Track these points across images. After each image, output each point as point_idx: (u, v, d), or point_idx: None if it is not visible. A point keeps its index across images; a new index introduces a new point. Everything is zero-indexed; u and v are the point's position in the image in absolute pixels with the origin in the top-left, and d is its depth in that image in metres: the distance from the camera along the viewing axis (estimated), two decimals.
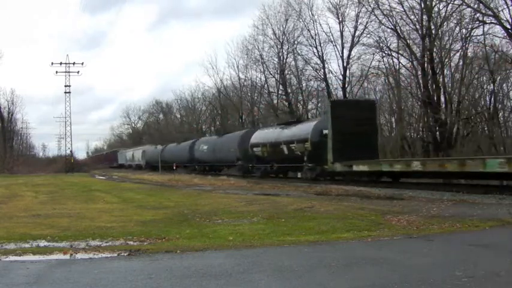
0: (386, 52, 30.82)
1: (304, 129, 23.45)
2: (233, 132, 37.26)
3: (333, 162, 19.78)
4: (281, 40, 40.41)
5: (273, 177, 26.52)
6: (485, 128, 27.62)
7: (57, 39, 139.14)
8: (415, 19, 26.84)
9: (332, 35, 35.90)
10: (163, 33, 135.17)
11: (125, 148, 77.90)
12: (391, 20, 28.16)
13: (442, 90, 27.00)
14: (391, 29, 28.55)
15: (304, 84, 40.98)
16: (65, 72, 58.74)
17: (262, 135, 28.11)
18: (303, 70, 39.62)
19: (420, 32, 26.51)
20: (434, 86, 26.57)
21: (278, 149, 25.19)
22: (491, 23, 23.85)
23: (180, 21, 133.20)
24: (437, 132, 26.50)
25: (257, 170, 28.39)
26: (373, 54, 32.18)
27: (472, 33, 25.91)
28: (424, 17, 26.30)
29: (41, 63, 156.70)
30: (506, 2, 23.27)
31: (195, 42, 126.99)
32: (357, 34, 33.61)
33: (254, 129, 32.45)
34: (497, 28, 24.28)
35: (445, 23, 26.18)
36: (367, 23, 31.74)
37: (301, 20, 37.93)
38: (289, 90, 41.51)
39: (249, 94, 47.91)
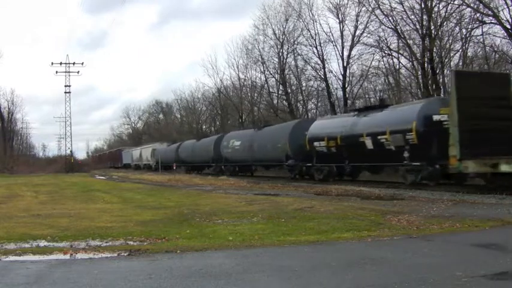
0: (386, 52, 30.90)
1: (403, 114, 17.47)
2: (273, 124, 30.29)
3: (461, 159, 13.72)
4: (281, 40, 40.46)
5: (337, 181, 20.56)
6: None
7: (59, 40, 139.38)
8: (415, 19, 26.88)
9: (332, 34, 35.95)
10: (165, 33, 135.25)
11: (130, 146, 73.09)
12: (391, 19, 28.22)
13: (442, 90, 27.01)
14: (392, 29, 28.60)
15: (304, 84, 41.08)
16: (65, 72, 58.95)
17: (327, 125, 21.72)
18: (303, 70, 39.72)
19: (420, 32, 26.53)
20: (434, 86, 26.57)
21: (356, 143, 18.99)
22: (491, 23, 23.91)
23: (182, 21, 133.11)
24: None
25: (318, 172, 21.81)
26: (373, 54, 32.26)
27: (472, 33, 26.01)
28: (424, 17, 26.32)
29: (43, 63, 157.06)
30: (506, 2, 23.33)
31: (197, 43, 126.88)
32: (357, 34, 33.64)
33: (310, 119, 26.49)
34: (497, 28, 24.35)
35: (445, 23, 26.23)
36: (367, 22, 31.79)
37: (301, 20, 37.98)
38: (289, 90, 41.54)
39: (249, 94, 47.94)
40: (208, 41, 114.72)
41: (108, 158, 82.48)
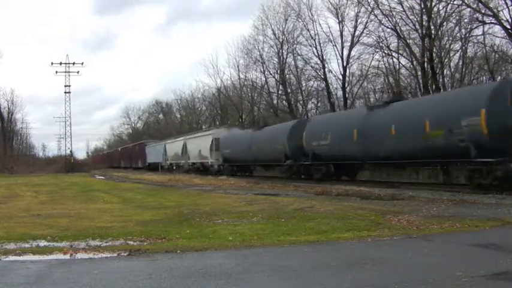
0: (386, 52, 30.99)
1: None
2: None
3: None
4: (281, 40, 40.53)
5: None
6: None
7: (60, 40, 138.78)
8: (415, 19, 26.93)
9: (332, 34, 36.04)
10: (172, 34, 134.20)
11: (157, 140, 53.63)
12: (390, 20, 28.28)
13: (442, 90, 27.02)
14: (391, 29, 28.66)
15: (304, 84, 41.12)
16: (65, 72, 58.86)
17: None
18: (303, 70, 39.78)
19: (420, 32, 26.55)
20: (434, 86, 26.58)
21: None
22: (491, 23, 23.94)
23: (189, 22, 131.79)
24: None
25: None
26: (373, 54, 32.37)
27: (471, 33, 26.02)
28: (424, 17, 26.34)
29: (43, 63, 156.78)
30: (506, 2, 23.34)
31: (203, 44, 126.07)
32: (356, 34, 33.74)
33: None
34: (497, 28, 24.38)
35: (445, 23, 26.26)
36: (366, 22, 31.90)
37: (300, 20, 38.08)
38: (289, 90, 41.57)
39: (249, 94, 47.95)
40: (213, 42, 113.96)
41: (120, 156, 67.55)
